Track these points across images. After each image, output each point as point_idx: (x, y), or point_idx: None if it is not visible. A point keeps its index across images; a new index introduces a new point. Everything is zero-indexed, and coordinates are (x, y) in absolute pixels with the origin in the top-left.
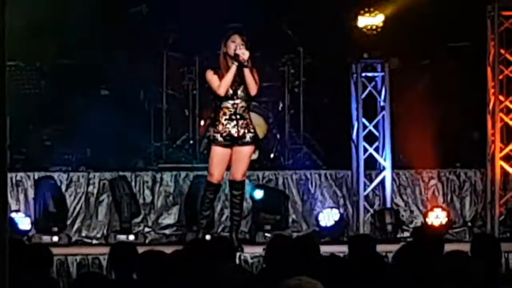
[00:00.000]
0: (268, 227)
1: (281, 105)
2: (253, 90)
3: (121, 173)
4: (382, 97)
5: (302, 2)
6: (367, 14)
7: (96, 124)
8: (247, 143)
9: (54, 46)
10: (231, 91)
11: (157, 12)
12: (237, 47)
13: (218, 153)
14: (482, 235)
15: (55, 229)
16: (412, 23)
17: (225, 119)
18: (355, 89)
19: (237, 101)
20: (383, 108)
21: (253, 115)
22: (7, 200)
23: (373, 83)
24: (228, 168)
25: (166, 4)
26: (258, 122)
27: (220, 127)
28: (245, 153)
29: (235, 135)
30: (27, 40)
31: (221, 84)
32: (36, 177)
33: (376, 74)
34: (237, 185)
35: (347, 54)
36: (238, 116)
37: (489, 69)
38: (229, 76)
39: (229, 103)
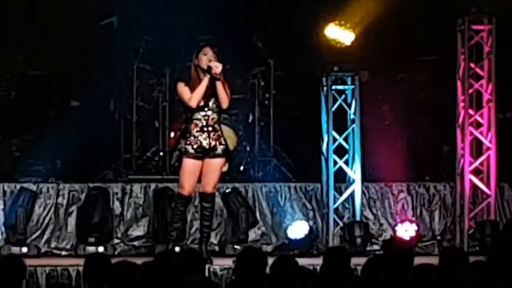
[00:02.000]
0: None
1: (251, 117)
2: (224, 103)
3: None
4: (352, 110)
5: (272, 15)
6: (338, 26)
7: (66, 135)
8: (218, 155)
9: (24, 57)
10: (202, 103)
11: (128, 24)
12: (209, 60)
13: (190, 166)
14: (450, 248)
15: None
16: (382, 36)
17: (197, 131)
18: (325, 102)
19: (209, 112)
20: (353, 121)
21: (223, 127)
22: None
23: (343, 96)
24: (199, 180)
25: (137, 16)
26: (228, 134)
27: (192, 139)
28: (216, 165)
29: (207, 147)
30: None
31: (192, 96)
32: (5, 187)
33: (346, 87)
34: (207, 197)
35: (317, 67)
36: (209, 128)
37: (459, 83)
38: (201, 88)
39: (200, 115)
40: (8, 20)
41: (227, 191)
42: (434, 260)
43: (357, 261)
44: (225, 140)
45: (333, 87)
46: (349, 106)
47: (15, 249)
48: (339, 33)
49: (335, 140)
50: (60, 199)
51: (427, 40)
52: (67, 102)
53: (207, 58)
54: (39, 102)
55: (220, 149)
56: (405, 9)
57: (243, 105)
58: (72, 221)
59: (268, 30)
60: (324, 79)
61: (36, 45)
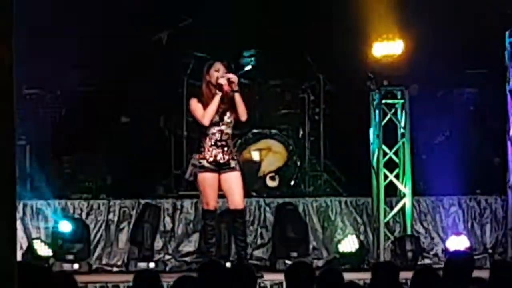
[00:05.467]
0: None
1: (301, 132)
2: (243, 116)
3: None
4: (402, 124)
5: (322, 30)
6: (386, 41)
7: (116, 151)
8: (233, 169)
9: (75, 74)
10: (217, 118)
11: (177, 39)
12: (221, 76)
13: (208, 179)
14: (502, 261)
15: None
16: (430, 50)
17: (210, 145)
18: (375, 116)
19: (223, 127)
20: (403, 135)
21: (273, 142)
22: (16, 227)
23: (393, 110)
24: (221, 195)
25: (186, 32)
26: (278, 149)
27: (205, 154)
28: (235, 179)
29: (221, 161)
30: (48, 68)
31: (205, 114)
32: (56, 205)
33: (396, 101)
34: (238, 213)
35: (367, 81)
36: (223, 143)
37: (509, 96)
38: (213, 106)
39: (215, 129)
40: (59, 37)
41: (284, 201)
42: (485, 274)
43: (408, 275)
44: (236, 155)
45: (383, 101)
46: (399, 120)
47: (66, 266)
48: (387, 48)
49: (385, 154)
50: (111, 216)
51: (475, 53)
52: (118, 118)
53: (220, 75)
54: (89, 118)
55: (233, 163)
56: (452, 22)
57: (293, 120)
58: (123, 237)
59: (317, 45)
60: (373, 93)
61: (87, 61)
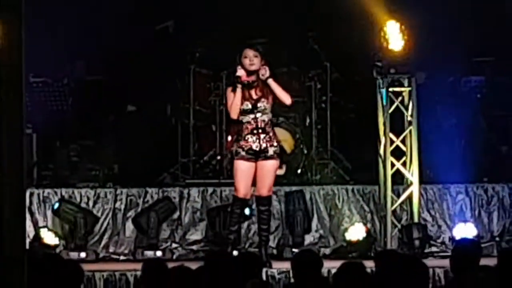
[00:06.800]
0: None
1: (308, 120)
2: (286, 99)
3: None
4: (409, 112)
5: (328, 18)
6: (393, 29)
7: (123, 140)
8: (270, 157)
9: (82, 63)
10: (250, 106)
11: (183, 28)
12: (240, 68)
13: (241, 167)
14: (509, 249)
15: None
16: (438, 38)
17: (247, 133)
18: (382, 104)
19: (258, 115)
20: (410, 123)
21: (280, 130)
22: (25, 215)
23: (400, 98)
24: (254, 183)
25: (192, 21)
26: (285, 137)
27: (242, 142)
28: (268, 168)
29: (257, 149)
30: (55, 57)
31: (230, 108)
32: (63, 193)
33: (403, 89)
34: (263, 200)
35: (374, 68)
36: (259, 131)
37: None
38: (236, 100)
39: (250, 117)
40: (64, 26)
41: (292, 189)
42: (492, 262)
43: None
44: (277, 142)
45: (390, 89)
46: (406, 108)
47: (73, 254)
48: (394, 36)
49: (392, 142)
50: (118, 204)
51: (483, 41)
52: (124, 107)
53: (248, 62)
54: (96, 107)
55: (271, 151)
56: (461, 10)
57: (299, 108)
58: (130, 226)
59: (324, 33)
60: (380, 81)
61: (93, 50)
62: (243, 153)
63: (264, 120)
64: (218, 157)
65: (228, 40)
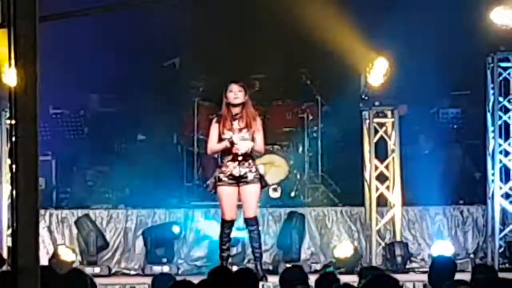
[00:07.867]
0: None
1: (301, 148)
2: (259, 150)
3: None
4: (392, 140)
5: (319, 55)
6: (377, 67)
7: (133, 166)
8: (250, 182)
9: (96, 96)
10: (233, 135)
11: (189, 65)
12: (228, 98)
13: (225, 193)
14: (482, 265)
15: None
16: (418, 73)
17: (228, 160)
18: (367, 134)
19: (240, 143)
20: (393, 150)
21: (275, 157)
22: (38, 230)
23: (384, 128)
24: (240, 206)
25: (197, 58)
26: (280, 164)
27: (224, 168)
28: (251, 192)
29: (237, 175)
30: (72, 90)
31: (209, 148)
32: (79, 214)
33: (386, 120)
34: (251, 221)
35: (360, 101)
36: (240, 158)
37: (489, 115)
38: (219, 147)
39: (232, 145)
40: (80, 63)
41: (294, 211)
42: (467, 276)
43: (398, 278)
44: (256, 167)
45: (375, 120)
46: (389, 137)
47: (88, 269)
48: (378, 73)
49: (376, 168)
50: (129, 224)
51: (459, 76)
52: (135, 136)
53: (233, 96)
54: (109, 136)
55: (251, 176)
56: (440, 46)
57: (293, 137)
58: (140, 243)
59: (315, 69)
60: (366, 113)
61: (106, 84)
62: (224, 178)
63: (245, 148)
64: (204, 185)
65: (229, 75)
